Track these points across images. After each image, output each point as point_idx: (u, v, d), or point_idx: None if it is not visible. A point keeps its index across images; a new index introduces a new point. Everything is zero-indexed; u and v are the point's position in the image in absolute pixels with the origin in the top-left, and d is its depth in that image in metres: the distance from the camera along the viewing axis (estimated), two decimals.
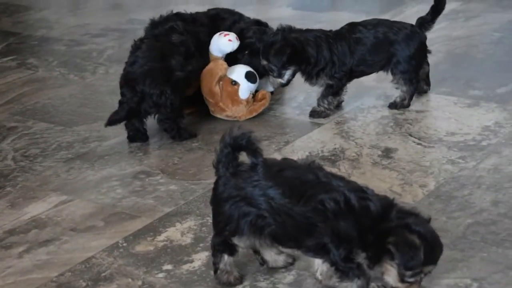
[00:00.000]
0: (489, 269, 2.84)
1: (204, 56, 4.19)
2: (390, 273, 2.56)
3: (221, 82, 4.13)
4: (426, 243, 2.51)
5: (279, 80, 4.09)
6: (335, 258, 2.60)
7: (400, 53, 4.10)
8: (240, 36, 4.28)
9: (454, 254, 2.94)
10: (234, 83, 4.12)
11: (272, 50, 4.04)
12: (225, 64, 4.16)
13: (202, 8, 4.67)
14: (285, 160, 2.88)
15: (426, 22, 4.19)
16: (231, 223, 2.72)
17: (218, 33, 4.21)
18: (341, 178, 2.73)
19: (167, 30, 4.13)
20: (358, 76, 4.21)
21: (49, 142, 4.04)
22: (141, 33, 5.49)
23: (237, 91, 4.12)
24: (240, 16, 4.47)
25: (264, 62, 4.08)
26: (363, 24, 4.15)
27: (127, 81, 3.92)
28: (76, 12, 6.20)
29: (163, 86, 3.87)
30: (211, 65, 4.17)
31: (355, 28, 4.13)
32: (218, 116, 4.18)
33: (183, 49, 4.04)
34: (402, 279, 2.54)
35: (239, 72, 4.15)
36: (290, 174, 2.70)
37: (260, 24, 4.43)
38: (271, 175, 2.68)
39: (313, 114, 4.16)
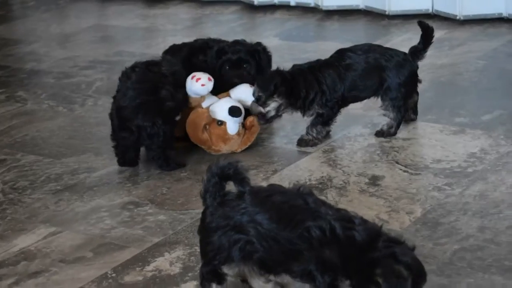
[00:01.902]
0: None
1: None
2: None
3: (207, 127, 4.12)
4: (413, 274, 2.54)
5: (260, 108, 4.11)
6: (320, 285, 2.62)
7: (391, 80, 4.14)
8: (220, 54, 4.33)
9: (441, 280, 2.96)
10: (220, 123, 4.12)
11: (262, 77, 4.11)
12: (206, 113, 4.13)
13: (190, 40, 4.73)
14: (272, 186, 2.90)
15: (418, 51, 4.24)
16: (221, 253, 2.73)
17: (190, 76, 4.18)
18: (330, 206, 2.75)
19: (158, 60, 4.16)
20: (351, 102, 4.24)
21: (38, 174, 4.06)
22: (129, 65, 5.56)
23: (225, 130, 4.12)
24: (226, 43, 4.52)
25: (257, 94, 4.12)
26: (353, 49, 4.20)
27: (119, 116, 3.94)
28: (65, 45, 6.23)
29: (155, 117, 3.91)
30: (192, 116, 4.14)
31: (344, 55, 4.18)
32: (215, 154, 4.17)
33: (173, 79, 4.07)
34: None
35: (222, 110, 4.13)
36: (279, 199, 2.72)
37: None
38: (259, 201, 2.71)
39: (301, 142, 4.19)
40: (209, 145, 4.12)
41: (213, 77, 4.18)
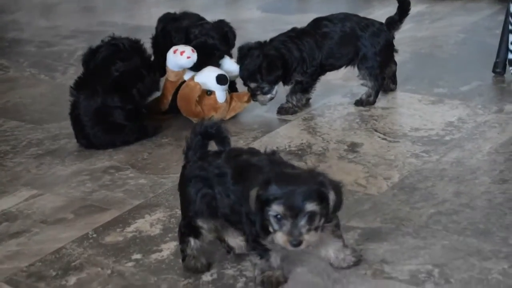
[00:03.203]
0: (450, 256, 2.92)
1: None
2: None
3: (197, 99, 4.13)
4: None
5: (269, 95, 4.16)
6: (247, 238, 2.72)
7: (366, 49, 4.19)
8: (187, 34, 4.31)
9: (417, 242, 3.01)
10: (210, 93, 4.15)
11: (263, 70, 4.10)
12: (198, 85, 4.13)
13: (172, 11, 4.72)
14: (250, 148, 2.95)
15: (394, 22, 4.28)
16: (193, 204, 2.79)
17: (172, 49, 4.18)
18: (292, 166, 2.77)
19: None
20: (328, 70, 4.28)
21: (20, 139, 4.08)
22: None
23: (215, 99, 4.15)
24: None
25: (253, 85, 4.13)
26: (329, 18, 4.25)
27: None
28: (47, 15, 6.23)
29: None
30: (185, 90, 4.14)
31: (321, 23, 4.23)
32: None
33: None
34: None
35: (209, 79, 4.15)
36: (244, 158, 2.77)
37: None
38: (229, 159, 2.76)
39: (281, 110, 4.23)
40: (202, 117, 4.14)
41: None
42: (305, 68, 4.15)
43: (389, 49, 4.27)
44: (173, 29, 4.40)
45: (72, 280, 2.90)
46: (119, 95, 3.92)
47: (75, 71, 4.96)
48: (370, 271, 2.84)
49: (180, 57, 4.15)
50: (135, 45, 4.18)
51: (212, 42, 4.26)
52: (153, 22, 5.55)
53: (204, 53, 4.19)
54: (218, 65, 4.22)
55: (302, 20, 5.57)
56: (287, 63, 4.14)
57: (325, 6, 6.02)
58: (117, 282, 2.87)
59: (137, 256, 3.02)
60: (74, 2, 6.52)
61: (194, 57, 4.17)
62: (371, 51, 4.20)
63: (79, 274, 2.93)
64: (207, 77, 4.15)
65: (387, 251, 2.96)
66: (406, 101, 4.31)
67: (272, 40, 4.22)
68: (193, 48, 4.18)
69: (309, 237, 2.56)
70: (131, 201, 3.43)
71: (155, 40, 4.58)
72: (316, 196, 2.56)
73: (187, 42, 4.25)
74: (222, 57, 4.27)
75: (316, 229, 2.58)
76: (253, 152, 2.86)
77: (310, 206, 2.54)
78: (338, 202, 2.64)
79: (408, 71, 4.64)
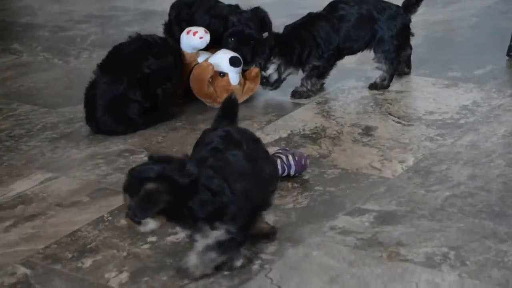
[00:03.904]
0: (466, 238, 2.92)
1: None
2: None
3: (210, 80, 4.12)
4: None
5: (263, 73, 4.18)
6: None
7: (383, 32, 4.17)
8: (226, 21, 4.31)
9: (432, 225, 3.01)
10: (223, 74, 4.14)
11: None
12: (210, 66, 4.13)
13: None
14: (245, 130, 2.97)
15: (411, 4, 4.27)
16: None
17: (185, 31, 4.20)
18: (234, 147, 2.75)
19: None
20: (346, 54, 4.27)
21: (34, 123, 4.09)
22: (123, 20, 5.60)
23: (228, 81, 4.14)
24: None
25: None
26: (345, 1, 4.23)
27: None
28: (60, 0, 6.23)
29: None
30: (197, 71, 4.13)
31: (337, 6, 4.22)
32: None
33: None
34: None
35: (223, 61, 4.15)
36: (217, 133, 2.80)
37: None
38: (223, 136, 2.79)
39: (295, 94, 4.23)
40: (214, 98, 4.14)
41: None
42: (321, 52, 4.14)
43: (405, 33, 4.26)
44: (212, 16, 4.38)
45: (88, 262, 2.91)
46: (142, 91, 3.90)
47: (88, 55, 4.98)
48: (386, 253, 2.84)
49: (193, 37, 4.16)
50: (169, 43, 4.14)
51: (248, 31, 4.25)
52: (165, 7, 5.55)
53: (240, 41, 4.20)
54: (265, 78, 4.22)
55: (315, 5, 5.55)
56: (287, 47, 4.13)
57: None
58: (132, 264, 2.88)
59: (153, 238, 3.03)
60: None
61: (207, 38, 4.17)
62: (387, 34, 4.18)
63: (95, 256, 2.94)
64: (221, 58, 4.16)
65: (402, 233, 2.96)
66: (420, 85, 4.30)
67: (286, 27, 4.22)
68: (206, 29, 4.18)
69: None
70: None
71: (168, 27, 4.58)
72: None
73: (224, 29, 4.25)
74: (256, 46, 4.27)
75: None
76: (238, 131, 2.87)
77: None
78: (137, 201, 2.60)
79: (422, 54, 4.63)
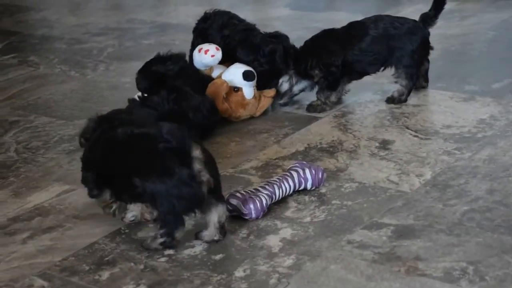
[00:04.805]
0: (484, 253, 2.90)
1: None
2: None
3: (224, 96, 4.10)
4: None
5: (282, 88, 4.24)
6: None
7: (403, 47, 4.16)
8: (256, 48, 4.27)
9: (451, 239, 3.00)
10: (237, 89, 4.13)
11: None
12: (225, 83, 4.11)
13: (201, 9, 4.69)
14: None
15: (429, 18, 4.26)
16: None
17: (197, 48, 4.21)
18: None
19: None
20: (359, 74, 4.26)
21: (51, 135, 4.10)
22: (140, 32, 5.61)
23: (242, 95, 4.13)
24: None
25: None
26: (362, 21, 4.24)
27: None
28: (76, 12, 6.26)
29: None
30: (212, 88, 4.11)
31: (352, 26, 4.24)
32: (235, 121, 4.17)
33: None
34: None
35: (236, 76, 4.13)
36: None
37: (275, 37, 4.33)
38: None
39: (309, 108, 4.22)
40: (230, 113, 4.13)
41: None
42: (326, 63, 4.12)
43: (425, 46, 4.24)
44: (224, 34, 4.36)
45: (105, 274, 2.90)
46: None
47: (105, 68, 4.99)
48: (404, 268, 2.83)
49: (205, 55, 4.17)
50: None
51: (279, 66, 4.23)
52: (181, 20, 5.62)
53: (264, 77, 4.20)
54: (276, 85, 4.23)
55: (330, 18, 5.60)
56: (298, 56, 4.18)
57: (354, 4, 6.01)
58: (150, 277, 2.87)
59: (170, 251, 3.02)
60: (102, 0, 6.54)
61: (218, 55, 4.18)
62: (408, 49, 4.16)
63: (112, 269, 2.94)
64: (234, 73, 4.15)
65: (420, 248, 2.95)
66: (437, 99, 4.29)
67: (305, 41, 4.25)
68: (217, 46, 4.19)
69: None
70: None
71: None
72: None
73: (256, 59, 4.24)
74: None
75: None
76: None
77: None
78: None
79: (439, 68, 4.62)
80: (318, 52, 4.17)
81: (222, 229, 3.04)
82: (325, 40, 4.21)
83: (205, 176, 2.91)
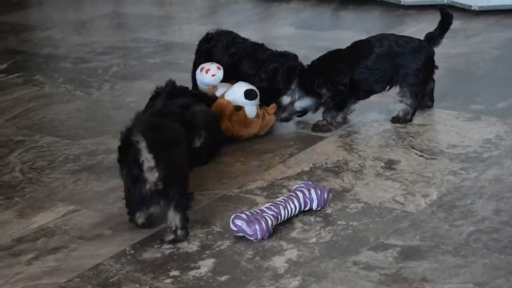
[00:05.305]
0: (491, 274, 2.89)
1: None
2: None
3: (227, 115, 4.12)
4: None
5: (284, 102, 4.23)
6: None
7: (408, 65, 4.16)
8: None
9: (457, 260, 2.99)
10: (239, 108, 4.12)
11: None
12: (230, 103, 4.11)
13: (205, 28, 4.68)
14: None
15: (434, 37, 4.26)
16: None
17: (199, 68, 4.22)
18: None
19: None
20: (366, 93, 4.25)
21: (56, 154, 4.09)
22: (145, 51, 5.62)
23: (244, 114, 4.12)
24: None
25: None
26: (367, 40, 4.24)
27: None
28: (81, 31, 6.27)
29: None
30: (217, 109, 4.10)
31: (357, 44, 4.24)
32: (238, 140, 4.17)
33: None
34: None
35: (238, 95, 4.12)
36: None
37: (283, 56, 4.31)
38: None
39: (315, 127, 4.21)
40: (232, 133, 4.12)
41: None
42: (334, 83, 4.12)
43: (430, 65, 4.24)
44: (230, 53, 4.35)
45: None
46: None
47: (110, 87, 4.99)
48: None
49: (206, 75, 4.18)
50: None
51: (278, 86, 4.22)
52: (186, 39, 5.62)
53: (262, 94, 4.17)
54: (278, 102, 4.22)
55: (335, 37, 5.61)
56: (304, 74, 4.18)
57: (359, 23, 6.01)
58: None
59: (175, 272, 3.02)
60: (107, 19, 6.55)
61: (219, 74, 4.18)
62: (413, 67, 4.16)
63: None
64: (236, 92, 4.14)
65: (427, 269, 2.94)
66: (443, 118, 4.28)
67: (312, 61, 4.26)
68: (219, 66, 4.19)
69: None
70: None
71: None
72: None
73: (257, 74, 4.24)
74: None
75: None
76: None
77: None
78: None
79: (444, 87, 4.61)
80: (325, 70, 4.17)
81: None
82: (332, 59, 4.22)
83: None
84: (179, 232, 3.20)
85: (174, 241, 3.20)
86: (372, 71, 4.17)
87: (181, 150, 3.26)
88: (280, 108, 4.22)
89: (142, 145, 3.07)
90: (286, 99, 4.22)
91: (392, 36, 4.27)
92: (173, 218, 3.19)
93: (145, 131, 3.07)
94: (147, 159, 3.08)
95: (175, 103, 3.63)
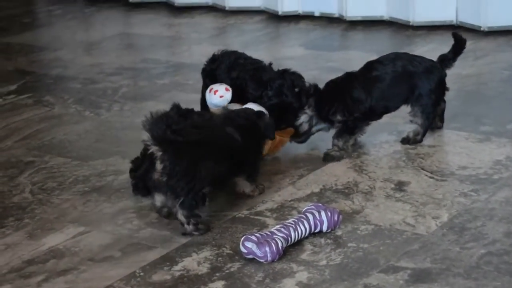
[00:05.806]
0: None
1: None
2: None
3: None
4: None
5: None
6: None
7: (421, 86, 4.15)
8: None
9: (468, 283, 2.97)
10: None
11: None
12: None
13: (215, 48, 4.68)
14: None
15: (447, 59, 4.27)
16: None
17: (208, 89, 4.23)
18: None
19: None
20: (382, 113, 4.24)
21: (66, 176, 4.10)
22: (154, 72, 5.63)
23: None
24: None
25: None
26: (380, 60, 4.22)
27: None
28: (91, 52, 6.29)
29: None
30: None
31: (371, 66, 4.20)
32: None
33: None
34: None
35: None
36: None
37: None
38: None
39: (327, 157, 4.12)
40: None
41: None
42: (349, 111, 4.10)
43: (442, 87, 4.24)
44: (233, 76, 4.35)
45: None
46: None
47: (119, 108, 5.00)
48: None
49: (214, 96, 4.18)
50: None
51: (288, 100, 4.21)
52: (195, 60, 5.62)
53: (275, 112, 4.14)
54: (294, 121, 4.20)
55: (344, 58, 5.61)
56: (322, 99, 4.15)
57: (368, 44, 6.02)
58: None
59: None
60: (116, 40, 6.57)
61: (227, 95, 4.18)
62: (426, 88, 4.16)
63: None
64: None
65: None
66: (453, 139, 4.28)
67: (327, 83, 4.25)
68: (228, 87, 4.19)
69: None
70: (177, 239, 3.42)
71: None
72: None
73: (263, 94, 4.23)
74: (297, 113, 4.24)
75: None
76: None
77: None
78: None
79: (454, 108, 4.61)
80: (342, 98, 4.14)
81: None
82: (348, 84, 4.18)
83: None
84: (186, 226, 3.41)
85: (184, 234, 3.43)
86: (389, 94, 4.16)
87: (200, 154, 3.39)
88: (298, 132, 4.21)
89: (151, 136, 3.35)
90: (305, 126, 4.20)
91: (406, 55, 4.27)
92: (179, 214, 3.41)
93: (160, 126, 3.32)
94: (155, 149, 3.36)
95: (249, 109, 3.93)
